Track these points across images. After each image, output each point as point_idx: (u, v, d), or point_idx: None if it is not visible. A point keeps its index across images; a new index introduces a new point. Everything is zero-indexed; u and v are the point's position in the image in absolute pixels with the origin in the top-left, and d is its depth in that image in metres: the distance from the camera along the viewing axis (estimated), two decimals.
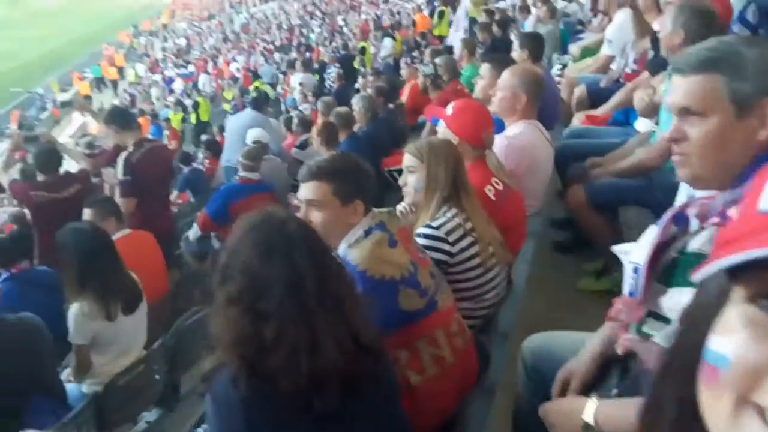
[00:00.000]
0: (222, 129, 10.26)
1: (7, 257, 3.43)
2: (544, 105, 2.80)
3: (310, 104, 9.77)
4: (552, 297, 2.77)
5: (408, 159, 1.98)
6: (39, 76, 27.04)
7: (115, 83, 26.10)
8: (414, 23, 14.65)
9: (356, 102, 5.33)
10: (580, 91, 4.15)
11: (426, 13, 15.25)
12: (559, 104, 3.91)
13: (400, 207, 2.09)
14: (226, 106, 15.33)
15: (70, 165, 5.36)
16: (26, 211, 5.26)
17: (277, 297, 1.14)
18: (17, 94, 23.49)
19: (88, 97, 24.18)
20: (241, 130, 5.88)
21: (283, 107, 12.03)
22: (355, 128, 5.02)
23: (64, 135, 17.18)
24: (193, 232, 4.38)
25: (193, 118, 14.27)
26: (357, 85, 10.15)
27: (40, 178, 4.11)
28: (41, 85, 25.11)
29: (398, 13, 18.49)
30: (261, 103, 6.99)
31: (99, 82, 26.18)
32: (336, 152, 1.74)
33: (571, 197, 2.69)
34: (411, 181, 1.97)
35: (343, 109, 5.13)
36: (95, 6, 60.72)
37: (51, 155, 3.97)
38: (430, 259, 1.75)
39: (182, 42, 29.85)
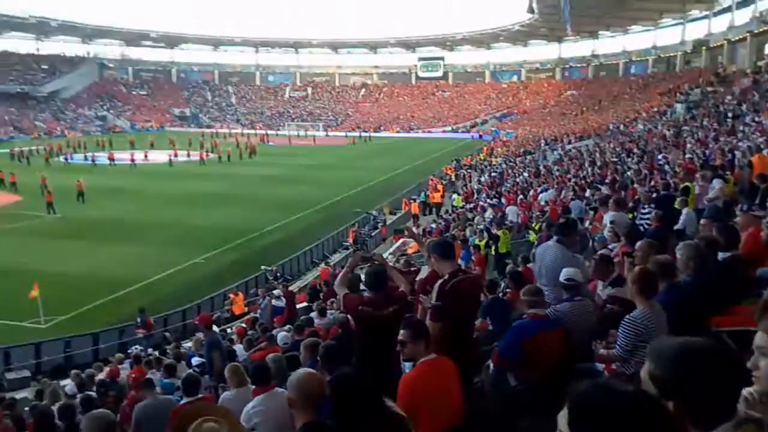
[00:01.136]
0: (526, 259, 10.35)
1: (334, 359, 3.90)
2: None
3: (620, 244, 9.27)
4: None
5: (762, 339, 1.65)
6: (376, 200, 31.72)
7: (438, 208, 29.38)
8: (750, 164, 13.07)
9: (681, 249, 4.84)
10: None
11: (766, 153, 13.54)
12: None
13: (745, 392, 1.73)
14: (532, 237, 15.58)
15: None
16: (350, 317, 5.99)
17: None
18: (357, 214, 27.83)
19: (416, 216, 27.64)
20: (553, 264, 5.82)
21: (590, 244, 11.66)
22: (678, 278, 4.53)
23: (386, 252, 19.50)
24: (492, 366, 4.38)
25: (493, 249, 14.85)
26: (677, 227, 9.32)
27: (366, 293, 4.64)
28: (376, 207, 29.34)
29: (731, 152, 16.81)
30: (568, 229, 6.75)
31: (424, 206, 29.70)
32: (689, 339, 1.48)
33: None
34: (764, 366, 1.63)
35: (664, 257, 4.70)
36: (427, 145, 69.83)
37: (380, 277, 4.47)
38: None
39: (497, 175, 31.93)
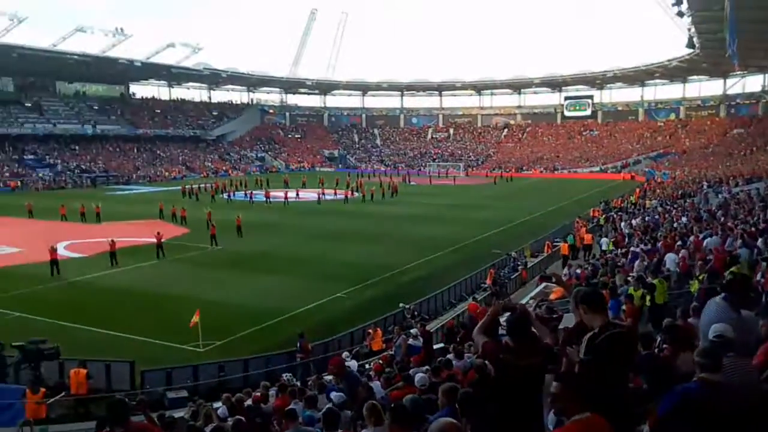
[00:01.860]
0: (686, 313, 9.45)
1: (473, 408, 3.79)
2: None
3: None
4: None
5: None
6: (517, 241, 30.99)
7: (587, 250, 27.97)
8: None
9: None
10: None
11: None
12: None
13: None
14: (693, 287, 14.22)
15: None
16: (488, 365, 5.81)
17: None
18: (497, 255, 27.31)
19: (566, 257, 26.42)
20: (708, 322, 5.28)
21: (763, 299, 10.36)
22: None
23: (526, 296, 18.84)
24: (648, 430, 3.98)
25: (648, 299, 13.69)
26: None
27: (507, 340, 4.46)
28: (516, 248, 28.60)
29: None
30: (736, 286, 6.10)
31: (571, 249, 28.44)
32: None
33: None
34: None
35: None
36: (572, 185, 67.33)
37: (523, 325, 4.30)
38: None
39: (651, 219, 29.78)
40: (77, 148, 78.55)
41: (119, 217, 40.49)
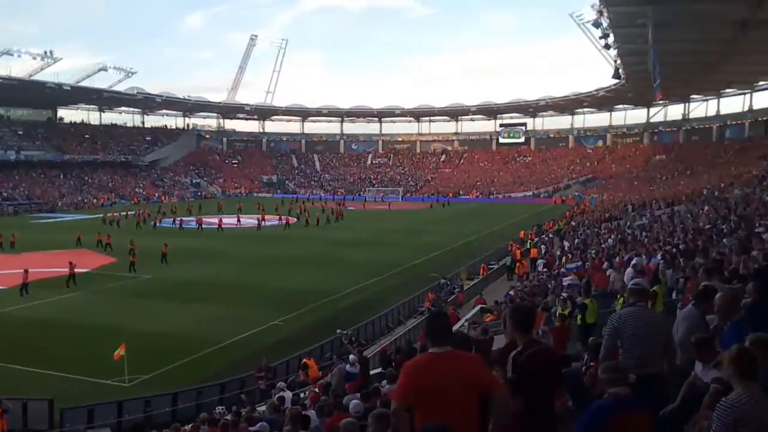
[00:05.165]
0: None
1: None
2: None
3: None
4: None
5: None
6: (454, 264, 31.34)
7: (534, 263, 28.60)
8: None
9: None
10: None
11: None
12: None
13: None
14: (618, 305, 14.71)
15: None
16: None
17: None
18: (434, 279, 27.51)
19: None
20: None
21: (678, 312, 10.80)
22: None
23: (462, 319, 18.97)
24: None
25: (579, 319, 14.02)
26: None
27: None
28: (452, 272, 28.89)
29: None
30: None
31: (509, 270, 29.05)
32: None
33: None
34: None
35: (764, 336, 4.21)
36: (506, 209, 69.10)
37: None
38: None
39: (579, 241, 30.78)
40: None
41: (40, 247, 38.32)
